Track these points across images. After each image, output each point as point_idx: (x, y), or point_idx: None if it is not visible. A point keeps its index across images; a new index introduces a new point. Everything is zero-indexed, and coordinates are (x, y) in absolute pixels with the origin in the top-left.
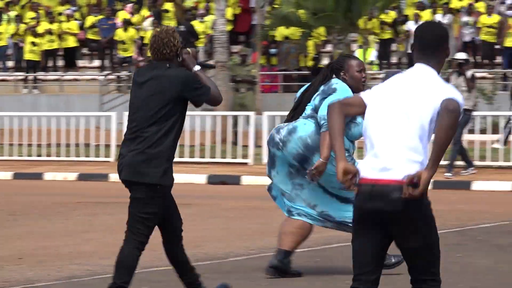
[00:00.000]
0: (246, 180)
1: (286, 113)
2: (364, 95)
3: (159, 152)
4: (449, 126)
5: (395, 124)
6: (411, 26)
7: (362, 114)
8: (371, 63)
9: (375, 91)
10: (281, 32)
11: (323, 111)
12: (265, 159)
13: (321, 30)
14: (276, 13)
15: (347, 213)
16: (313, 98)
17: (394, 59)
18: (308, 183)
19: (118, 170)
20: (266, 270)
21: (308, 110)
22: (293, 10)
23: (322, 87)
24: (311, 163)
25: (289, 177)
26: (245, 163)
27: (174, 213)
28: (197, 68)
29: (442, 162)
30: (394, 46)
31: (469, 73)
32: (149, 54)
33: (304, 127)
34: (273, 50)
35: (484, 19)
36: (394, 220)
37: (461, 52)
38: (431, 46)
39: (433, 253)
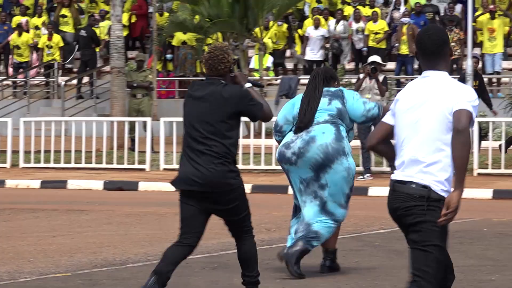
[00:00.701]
0: (143, 186)
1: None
2: (385, 119)
3: (224, 163)
4: (462, 144)
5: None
6: (310, 31)
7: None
8: (267, 69)
9: (395, 110)
10: (178, 37)
11: (364, 106)
12: (162, 164)
13: (217, 36)
14: (172, 19)
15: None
16: (325, 104)
17: (289, 65)
18: (310, 201)
19: (184, 181)
20: (322, 269)
21: (324, 116)
22: (190, 16)
23: (327, 94)
24: (328, 171)
25: (300, 194)
26: (142, 169)
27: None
28: (248, 85)
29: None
30: (289, 53)
31: (381, 77)
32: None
33: (323, 136)
34: (169, 56)
35: (371, 26)
36: None
37: (374, 56)
38: (434, 53)
39: None
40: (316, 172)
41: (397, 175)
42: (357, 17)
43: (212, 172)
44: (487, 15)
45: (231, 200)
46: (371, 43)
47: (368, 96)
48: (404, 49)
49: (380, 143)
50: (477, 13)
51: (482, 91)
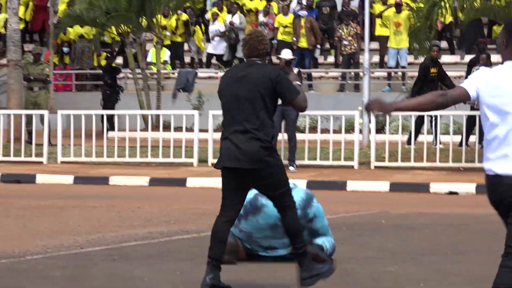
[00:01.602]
0: (40, 179)
1: (80, 112)
2: (467, 86)
3: (263, 141)
4: None
5: None
6: (211, 26)
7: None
8: (164, 62)
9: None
10: (75, 31)
11: None
12: (60, 157)
13: (115, 29)
14: (69, 12)
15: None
16: None
17: (187, 59)
18: None
19: (226, 158)
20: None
21: None
22: (87, 9)
23: None
24: None
25: (272, 229)
26: (40, 162)
27: None
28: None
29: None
30: (186, 46)
31: (295, 70)
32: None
33: None
34: (66, 49)
35: (281, 19)
36: None
37: (286, 50)
38: None
39: None
40: None
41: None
42: (266, 11)
43: (251, 149)
44: (393, 9)
45: (269, 177)
46: (280, 37)
47: None
48: (303, 42)
49: (446, 101)
50: (375, 6)
51: (442, 78)
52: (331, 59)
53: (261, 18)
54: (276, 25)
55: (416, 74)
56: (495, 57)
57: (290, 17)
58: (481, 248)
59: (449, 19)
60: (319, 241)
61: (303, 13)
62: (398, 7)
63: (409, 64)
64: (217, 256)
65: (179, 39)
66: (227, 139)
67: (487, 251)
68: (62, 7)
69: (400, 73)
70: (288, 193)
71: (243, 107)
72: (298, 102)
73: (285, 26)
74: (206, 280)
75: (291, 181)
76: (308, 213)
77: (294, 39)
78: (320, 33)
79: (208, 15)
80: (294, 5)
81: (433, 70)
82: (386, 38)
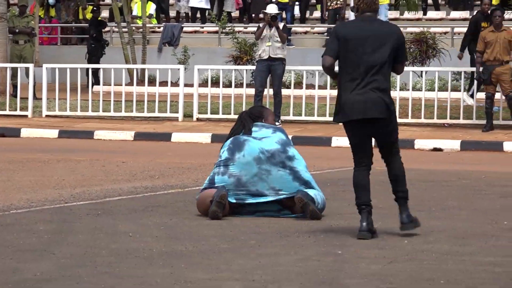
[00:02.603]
0: (25, 132)
1: (65, 65)
2: None
3: (389, 95)
4: None
5: None
6: None
7: None
8: (150, 16)
9: None
10: None
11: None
12: (45, 111)
13: None
14: None
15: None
16: (269, 132)
17: (172, 13)
18: (277, 170)
19: (354, 110)
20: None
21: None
22: None
23: (269, 126)
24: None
25: (257, 162)
26: (25, 116)
27: None
28: None
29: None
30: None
31: (281, 24)
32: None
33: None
34: (51, 1)
35: None
36: None
37: (271, 5)
38: None
39: None
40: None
41: None
42: None
43: (379, 100)
44: None
45: (390, 125)
46: None
47: (268, 44)
48: None
49: None
50: None
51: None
52: (317, 14)
53: None
54: None
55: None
56: None
57: None
58: (465, 205)
59: None
60: (311, 192)
61: None
62: None
63: (394, 19)
64: (368, 201)
65: None
66: (351, 92)
67: (471, 208)
68: None
69: None
70: (397, 139)
71: (371, 60)
72: (402, 68)
73: None
74: (364, 226)
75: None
76: (287, 150)
77: None
78: None
79: None
80: None
81: (483, 24)
82: None
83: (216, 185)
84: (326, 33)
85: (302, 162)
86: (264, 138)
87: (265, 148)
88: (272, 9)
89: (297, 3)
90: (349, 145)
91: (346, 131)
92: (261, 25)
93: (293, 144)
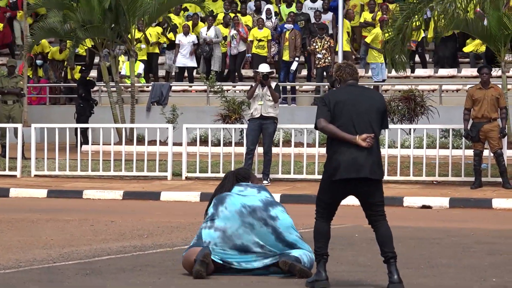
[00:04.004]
0: (14, 192)
1: (55, 125)
2: None
3: (379, 157)
4: None
5: None
6: (180, 38)
7: None
8: (138, 76)
9: None
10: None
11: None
12: (34, 171)
13: (89, 42)
14: (42, 25)
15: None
16: (255, 192)
17: (161, 72)
18: (259, 226)
19: (347, 169)
20: None
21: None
22: (60, 22)
23: (253, 186)
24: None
25: (239, 215)
26: (13, 176)
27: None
28: None
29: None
30: (161, 59)
31: (273, 83)
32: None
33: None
34: (39, 62)
35: (256, 33)
36: None
37: (264, 64)
38: None
39: None
40: (265, 206)
41: None
42: (236, 24)
43: (372, 160)
44: (378, 28)
45: (379, 184)
46: (254, 50)
47: (260, 103)
48: (286, 55)
49: None
50: (364, 14)
51: None
52: (305, 72)
53: (232, 31)
54: (250, 38)
55: (388, 87)
56: (468, 71)
57: (265, 31)
58: (454, 263)
59: (421, 35)
60: (295, 253)
61: (289, 26)
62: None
63: (391, 77)
64: (327, 251)
65: (156, 50)
66: (345, 151)
67: (459, 265)
68: (29, 20)
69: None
70: (384, 202)
71: (362, 122)
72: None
73: (260, 40)
74: (323, 275)
75: None
76: (270, 209)
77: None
78: (300, 46)
79: (179, 29)
80: (273, 19)
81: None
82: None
83: (203, 239)
84: (314, 91)
85: (286, 222)
86: (248, 196)
87: (247, 204)
88: (264, 68)
89: (297, 59)
90: (320, 200)
91: (330, 189)
92: (253, 84)
93: (280, 203)
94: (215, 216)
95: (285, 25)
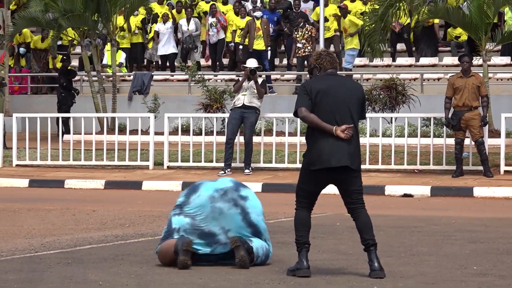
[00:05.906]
0: None
1: (36, 114)
2: None
3: (358, 146)
4: None
5: None
6: (159, 26)
7: None
8: (120, 65)
9: None
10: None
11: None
12: (15, 160)
13: (71, 31)
14: (24, 14)
15: (251, 243)
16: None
17: (144, 61)
18: (228, 209)
19: (327, 158)
20: None
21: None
22: (42, 11)
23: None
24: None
25: (211, 200)
26: None
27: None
28: None
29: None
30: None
31: (260, 79)
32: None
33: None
34: (22, 49)
35: (238, 21)
36: None
37: (251, 59)
38: None
39: None
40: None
41: None
42: (213, 12)
43: (353, 149)
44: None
45: (358, 173)
46: (237, 39)
47: (244, 94)
48: (259, 44)
49: None
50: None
51: None
52: (286, 61)
53: (210, 19)
54: (234, 28)
55: (370, 76)
56: (449, 60)
57: (248, 19)
58: (435, 251)
59: (407, 20)
60: (255, 244)
61: (259, 14)
62: (344, 12)
63: (364, 66)
64: (308, 240)
65: (139, 39)
66: (325, 141)
67: (440, 253)
68: (12, 7)
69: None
70: (362, 191)
71: (342, 112)
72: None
73: (242, 29)
74: (305, 264)
75: (246, 183)
76: (241, 189)
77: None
78: (269, 36)
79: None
80: (251, 7)
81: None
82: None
83: (173, 225)
84: (295, 80)
85: (256, 204)
86: (220, 180)
87: (219, 187)
88: (252, 63)
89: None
90: (301, 189)
91: (311, 178)
92: (240, 78)
93: (253, 190)
94: (184, 204)
95: (255, 13)
